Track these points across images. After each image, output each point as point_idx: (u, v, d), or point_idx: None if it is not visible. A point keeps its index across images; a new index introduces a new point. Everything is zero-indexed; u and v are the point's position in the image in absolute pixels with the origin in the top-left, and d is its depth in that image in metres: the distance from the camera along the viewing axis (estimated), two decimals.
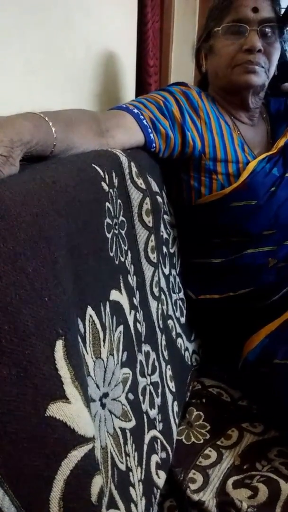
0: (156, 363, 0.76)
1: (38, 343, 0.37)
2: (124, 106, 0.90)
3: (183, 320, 1.00)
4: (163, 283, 0.88)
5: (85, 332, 0.50)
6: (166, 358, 0.82)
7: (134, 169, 0.77)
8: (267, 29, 0.96)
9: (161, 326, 0.82)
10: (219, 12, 1.00)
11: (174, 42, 1.90)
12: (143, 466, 0.63)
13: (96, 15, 1.12)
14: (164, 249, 0.92)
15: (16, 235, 0.38)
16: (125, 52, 1.36)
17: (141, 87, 1.53)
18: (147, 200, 0.79)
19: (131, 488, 0.57)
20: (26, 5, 0.82)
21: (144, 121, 0.88)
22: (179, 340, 0.94)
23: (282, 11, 1.03)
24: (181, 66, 1.90)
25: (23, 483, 0.34)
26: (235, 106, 1.06)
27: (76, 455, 0.38)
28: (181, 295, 1.02)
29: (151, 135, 0.89)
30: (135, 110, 0.88)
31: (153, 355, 0.75)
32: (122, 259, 0.68)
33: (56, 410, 0.37)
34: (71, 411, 0.39)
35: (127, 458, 0.58)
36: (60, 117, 0.65)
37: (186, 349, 0.98)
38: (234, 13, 0.97)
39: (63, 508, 0.36)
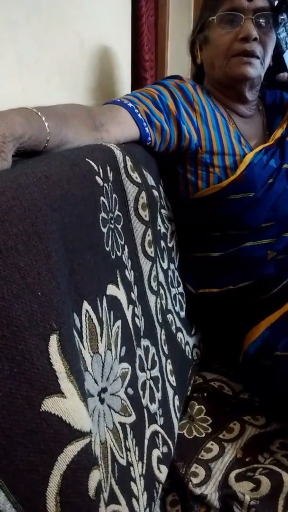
0: (156, 358, 0.76)
1: (31, 337, 0.37)
2: (118, 100, 0.89)
3: (182, 314, 0.99)
4: (161, 278, 0.87)
5: (81, 327, 0.49)
6: (166, 352, 0.81)
7: (129, 163, 0.76)
8: (262, 18, 0.96)
9: (160, 320, 0.81)
10: (214, 1, 1.00)
11: (170, 36, 1.88)
12: (144, 461, 0.63)
13: (89, 9, 1.11)
14: (162, 243, 0.92)
15: (7, 229, 0.38)
16: (119, 47, 1.35)
17: (137, 82, 1.52)
18: (143, 194, 0.78)
19: (132, 483, 0.57)
20: (18, 0, 0.81)
21: (139, 115, 0.87)
22: (179, 335, 0.93)
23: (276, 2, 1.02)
24: (177, 60, 1.89)
25: (19, 479, 0.34)
26: (231, 99, 1.05)
27: (72, 449, 0.38)
28: (180, 289, 1.02)
29: (146, 128, 0.88)
30: (130, 104, 0.87)
31: (152, 350, 0.74)
32: (119, 254, 0.67)
33: (51, 405, 0.37)
34: (67, 406, 0.38)
35: (128, 453, 0.57)
36: (53, 112, 0.65)
37: (187, 343, 0.98)
38: (229, 2, 0.97)
39: (60, 503, 0.36)
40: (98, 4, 1.16)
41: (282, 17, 1.01)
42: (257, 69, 0.98)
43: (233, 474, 0.74)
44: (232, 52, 0.97)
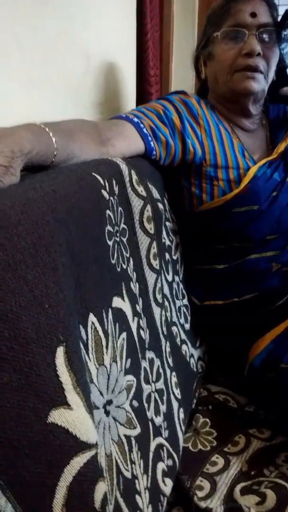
0: (161, 370, 0.76)
1: (38, 349, 0.37)
2: (124, 115, 0.91)
3: (187, 326, 0.99)
4: (166, 290, 0.88)
5: (87, 339, 0.50)
6: (171, 365, 0.82)
7: (134, 177, 0.77)
8: (265, 34, 0.97)
9: (165, 332, 0.82)
10: (217, 17, 1.02)
11: (174, 51, 1.91)
12: (149, 474, 0.63)
13: (95, 26, 1.13)
14: (167, 256, 0.93)
15: (16, 243, 0.39)
16: (125, 63, 1.38)
17: (142, 97, 1.54)
18: (148, 207, 0.79)
19: (137, 496, 0.57)
20: (26, 18, 0.83)
21: (144, 130, 0.89)
22: (184, 347, 0.93)
23: (279, 18, 1.04)
24: (182, 76, 1.92)
25: (26, 490, 0.34)
26: (235, 113, 1.06)
27: (78, 461, 0.38)
28: (185, 301, 1.02)
29: (151, 143, 0.90)
30: (135, 119, 0.89)
31: (157, 362, 0.75)
32: (124, 266, 0.68)
33: (57, 416, 0.38)
34: (73, 418, 0.39)
35: (133, 465, 0.57)
36: (60, 127, 0.66)
37: (191, 355, 0.98)
38: (233, 18, 0.98)
39: None
40: (104, 21, 1.18)
41: (286, 33, 1.03)
42: (260, 84, 0.99)
43: (238, 488, 0.73)
44: (236, 67, 0.99)
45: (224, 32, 1.00)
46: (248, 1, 0.98)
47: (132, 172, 0.77)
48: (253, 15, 0.97)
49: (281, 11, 1.07)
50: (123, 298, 0.65)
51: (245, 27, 0.97)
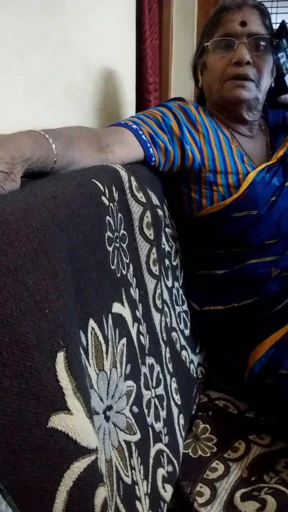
0: (161, 376, 0.76)
1: (39, 354, 0.38)
2: (123, 122, 0.91)
3: (187, 332, 1.00)
4: (166, 296, 0.88)
5: (87, 344, 0.50)
6: (171, 370, 0.82)
7: (134, 183, 0.78)
8: (255, 42, 0.98)
9: (165, 338, 0.82)
10: (210, 28, 1.04)
11: (173, 59, 1.93)
12: (149, 480, 0.62)
13: (95, 34, 1.14)
14: (167, 262, 0.93)
15: (16, 248, 0.39)
16: (124, 70, 1.39)
17: (141, 104, 1.55)
18: (148, 213, 0.80)
19: (137, 502, 0.57)
20: (26, 25, 0.84)
21: (143, 136, 0.89)
22: (184, 353, 0.93)
23: (276, 26, 1.05)
24: (181, 83, 1.93)
25: (26, 495, 0.34)
26: (232, 120, 1.07)
27: (79, 466, 0.38)
28: (185, 307, 1.02)
29: (151, 149, 0.90)
30: (134, 126, 0.89)
31: (157, 368, 0.75)
32: (124, 272, 0.68)
33: (58, 421, 0.38)
34: (73, 423, 0.39)
35: (133, 471, 0.57)
36: (60, 134, 0.67)
37: (191, 361, 0.98)
38: (223, 27, 1.00)
39: None
40: (103, 29, 1.20)
41: (282, 43, 1.04)
42: (251, 92, 1.00)
43: (238, 494, 0.73)
44: (226, 77, 1.00)
45: (214, 42, 1.02)
46: (239, 10, 0.99)
47: (132, 178, 0.78)
48: (243, 24, 0.98)
49: (280, 18, 1.08)
50: (123, 304, 0.65)
51: (235, 36, 0.99)
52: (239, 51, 0.97)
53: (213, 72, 1.03)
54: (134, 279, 0.73)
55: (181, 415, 0.82)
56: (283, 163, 1.05)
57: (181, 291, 1.02)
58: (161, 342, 0.80)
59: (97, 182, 0.63)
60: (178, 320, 0.95)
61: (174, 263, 1.00)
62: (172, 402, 0.79)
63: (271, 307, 0.99)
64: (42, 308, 0.40)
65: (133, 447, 0.59)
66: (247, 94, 0.99)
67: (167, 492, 0.66)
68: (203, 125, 1.01)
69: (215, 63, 1.02)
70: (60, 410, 0.38)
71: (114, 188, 0.70)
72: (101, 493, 0.40)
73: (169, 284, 0.92)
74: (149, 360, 0.72)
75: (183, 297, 1.03)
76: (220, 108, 1.07)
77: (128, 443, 0.57)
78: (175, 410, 0.79)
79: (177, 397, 0.81)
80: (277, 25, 1.06)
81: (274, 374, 0.89)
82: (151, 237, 0.81)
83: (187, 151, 0.96)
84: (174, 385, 0.81)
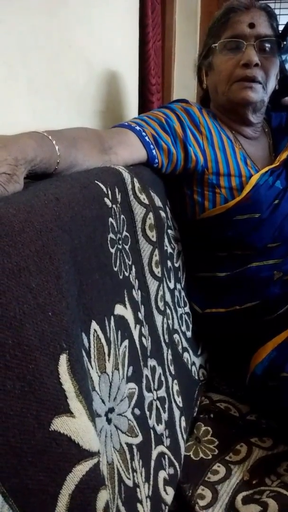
0: (163, 378, 0.76)
1: (42, 357, 0.38)
2: (126, 123, 0.91)
3: (189, 334, 0.99)
4: (168, 297, 0.88)
5: (89, 346, 0.50)
6: (173, 372, 0.82)
7: (137, 185, 0.78)
8: (263, 44, 0.98)
9: (166, 340, 0.82)
10: (217, 28, 1.03)
11: (176, 60, 1.93)
12: (151, 482, 0.62)
13: (98, 35, 1.14)
14: (169, 264, 0.93)
15: (20, 250, 0.39)
16: (127, 72, 1.39)
17: (144, 105, 1.55)
18: (151, 215, 0.80)
19: (138, 505, 0.57)
20: (29, 27, 0.84)
21: (146, 138, 0.89)
22: (186, 355, 0.93)
23: (281, 27, 1.05)
24: (184, 84, 1.93)
25: (28, 498, 0.34)
26: (236, 122, 1.07)
27: (81, 469, 0.38)
28: (187, 309, 1.02)
29: (153, 151, 0.90)
30: (137, 127, 0.89)
31: (159, 370, 0.75)
32: (126, 274, 0.68)
33: (60, 424, 0.38)
34: (76, 426, 0.39)
35: (134, 474, 0.57)
36: (63, 135, 0.67)
37: (193, 363, 0.97)
38: (231, 29, 1.00)
39: None
40: (106, 30, 1.20)
41: (286, 44, 1.04)
42: (258, 94, 1.00)
43: (240, 497, 0.73)
44: (234, 78, 1.00)
45: (222, 43, 1.01)
46: (247, 12, 0.99)
47: (135, 180, 0.78)
48: (252, 25, 0.98)
49: (283, 21, 1.08)
50: (125, 306, 0.65)
51: (243, 38, 0.98)
52: (247, 53, 0.97)
53: (220, 74, 1.02)
54: (137, 281, 0.73)
55: (183, 417, 0.82)
56: (286, 167, 1.04)
57: (183, 293, 1.02)
58: (163, 344, 0.80)
59: (100, 184, 0.63)
60: (180, 322, 0.95)
61: (176, 265, 1.00)
62: (173, 404, 0.78)
63: (273, 310, 0.99)
64: (45, 310, 0.39)
65: (135, 450, 0.59)
66: (254, 96, 0.99)
67: (168, 495, 0.66)
68: (207, 127, 1.01)
69: (222, 65, 1.01)
70: (62, 413, 0.38)
71: (117, 190, 0.69)
72: (103, 497, 0.40)
73: (171, 286, 0.92)
74: (151, 362, 0.72)
75: (185, 299, 1.03)
76: (225, 110, 1.06)
77: (129, 445, 0.57)
78: (176, 412, 0.79)
79: (178, 399, 0.81)
80: (280, 26, 1.06)
81: (276, 377, 0.89)
82: (154, 239, 0.81)
83: (190, 153, 0.96)
84: (175, 387, 0.81)
